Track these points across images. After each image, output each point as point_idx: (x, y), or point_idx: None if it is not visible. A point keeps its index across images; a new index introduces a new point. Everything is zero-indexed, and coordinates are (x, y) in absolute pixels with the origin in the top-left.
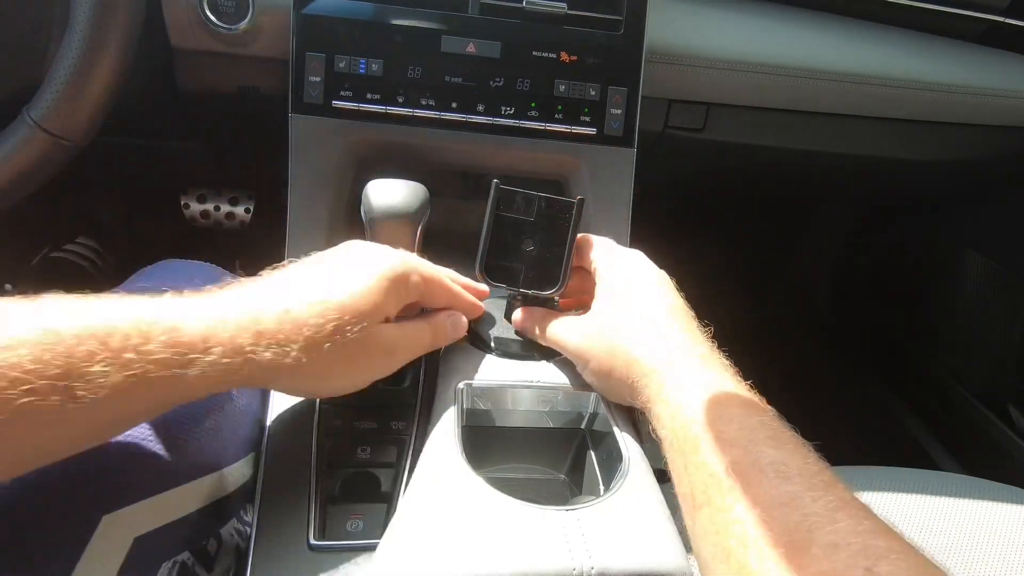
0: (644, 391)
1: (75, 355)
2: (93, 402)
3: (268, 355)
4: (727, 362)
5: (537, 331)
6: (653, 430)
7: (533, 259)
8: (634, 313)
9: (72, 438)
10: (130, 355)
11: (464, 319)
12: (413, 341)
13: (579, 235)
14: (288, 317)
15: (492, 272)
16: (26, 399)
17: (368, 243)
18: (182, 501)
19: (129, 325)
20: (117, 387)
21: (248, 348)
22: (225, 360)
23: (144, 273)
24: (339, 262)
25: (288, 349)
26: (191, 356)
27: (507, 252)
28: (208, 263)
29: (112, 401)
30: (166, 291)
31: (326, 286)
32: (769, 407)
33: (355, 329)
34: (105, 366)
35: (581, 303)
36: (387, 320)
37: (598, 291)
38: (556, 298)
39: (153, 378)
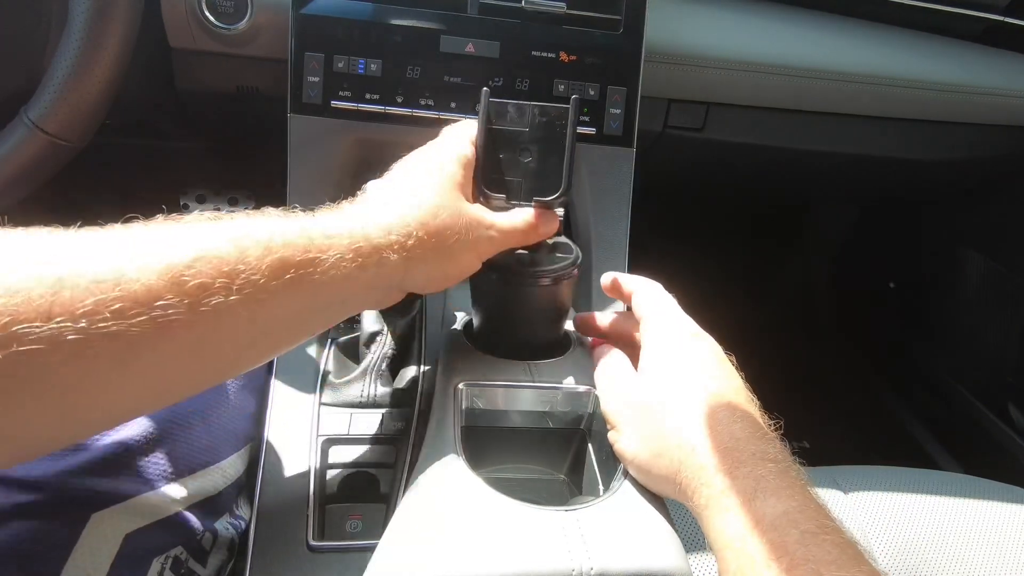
0: (699, 492)
1: (229, 247)
2: (254, 287)
3: (393, 238)
4: (801, 469)
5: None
6: (708, 539)
7: (532, 170)
8: (688, 390)
9: (248, 334)
10: (275, 242)
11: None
12: (507, 221)
13: (624, 276)
14: (395, 205)
15: (491, 185)
16: (195, 282)
17: (427, 144)
18: (173, 497)
19: (264, 229)
20: (272, 269)
21: (374, 236)
22: (356, 244)
23: None
24: (413, 161)
25: (409, 230)
26: (327, 243)
27: (505, 165)
28: None
29: (274, 291)
30: None
31: (414, 177)
32: (865, 556)
33: (452, 202)
34: (257, 251)
35: (630, 343)
36: None
37: (646, 348)
38: (560, 205)
39: (298, 261)
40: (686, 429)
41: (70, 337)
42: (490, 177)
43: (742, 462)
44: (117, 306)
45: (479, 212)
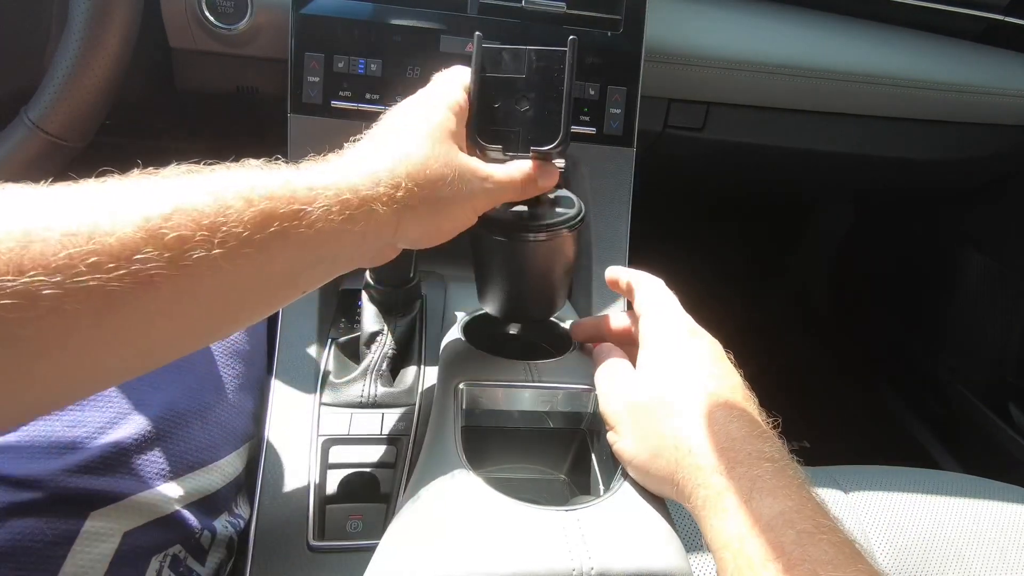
0: (696, 492)
1: (207, 199)
2: (238, 240)
3: (381, 190)
4: (799, 467)
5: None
6: (705, 540)
7: (529, 119)
8: (685, 390)
9: (235, 290)
10: (256, 193)
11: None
12: (503, 172)
13: (626, 271)
14: (381, 155)
15: (486, 136)
16: (174, 235)
17: (417, 93)
18: (172, 496)
19: (245, 180)
20: (254, 221)
21: (361, 187)
22: (342, 196)
23: None
24: (401, 110)
25: (397, 181)
26: (311, 194)
27: (500, 115)
28: None
29: (258, 245)
30: None
31: (401, 125)
32: (863, 554)
33: (443, 151)
34: (238, 204)
35: (629, 341)
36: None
37: (644, 347)
38: (560, 155)
39: (281, 213)
40: (683, 430)
41: (45, 292)
42: (485, 127)
43: (738, 462)
44: (92, 260)
45: (473, 163)
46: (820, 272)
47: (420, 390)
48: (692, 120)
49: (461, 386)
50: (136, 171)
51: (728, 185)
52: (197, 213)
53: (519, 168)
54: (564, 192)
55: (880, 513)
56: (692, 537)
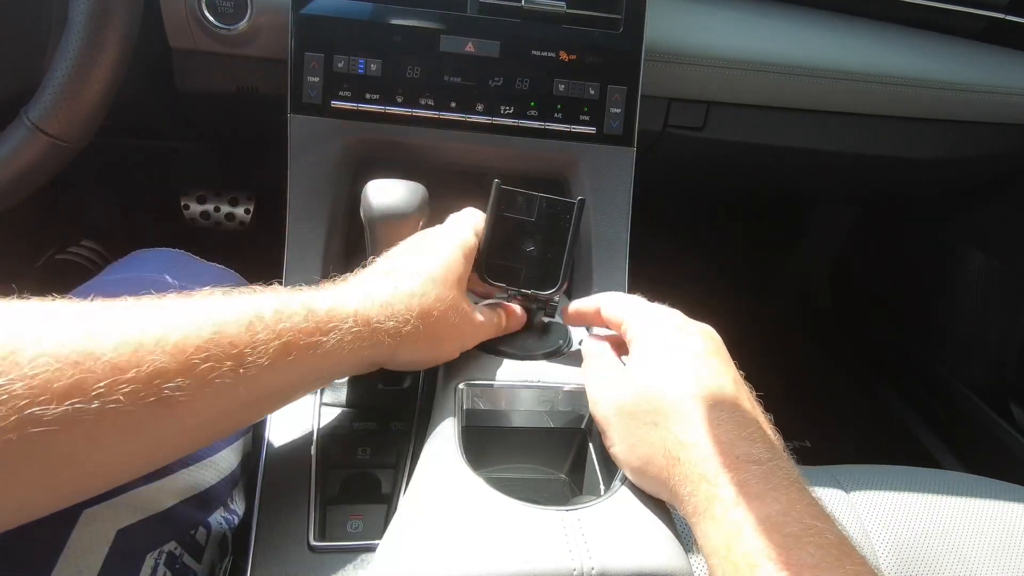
0: (689, 500)
1: (240, 328)
2: (259, 368)
3: (391, 324)
4: (792, 465)
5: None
6: (698, 545)
7: (533, 259)
8: (674, 394)
9: (242, 407)
10: (283, 325)
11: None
12: (489, 316)
13: (602, 296)
14: (399, 291)
15: (492, 272)
16: (206, 365)
17: (435, 229)
18: (166, 492)
19: (273, 309)
20: (277, 352)
21: (374, 319)
22: (355, 328)
23: (118, 265)
24: (420, 246)
25: (408, 317)
26: (329, 325)
27: (507, 252)
28: (179, 251)
29: (274, 369)
30: (149, 280)
31: (420, 264)
32: (855, 552)
33: (451, 296)
34: (266, 335)
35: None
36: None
37: (633, 351)
38: (555, 299)
39: (302, 345)
40: (670, 437)
41: (83, 418)
42: (493, 263)
43: (726, 467)
44: (129, 388)
45: (470, 311)
46: (820, 271)
47: (421, 390)
48: (692, 120)
49: (461, 386)
50: (172, 293)
51: (728, 185)
52: (229, 344)
53: (500, 317)
54: (557, 322)
55: (881, 512)
56: (692, 537)
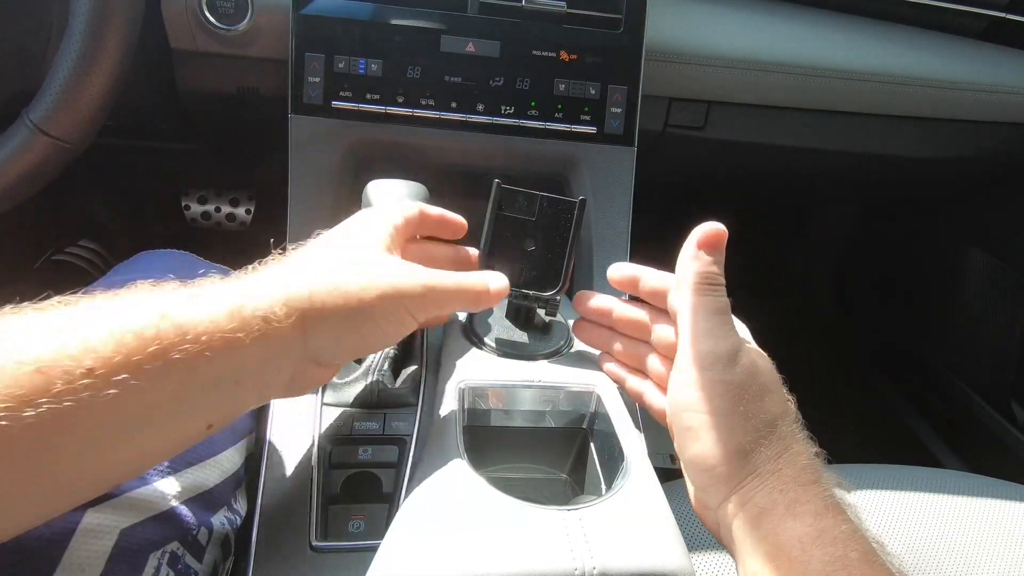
0: (729, 504)
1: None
2: (109, 368)
3: (276, 298)
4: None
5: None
6: (725, 540)
7: (534, 259)
8: (766, 360)
9: (107, 436)
10: (125, 331)
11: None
12: (442, 280)
13: (639, 267)
14: (299, 268)
15: (490, 261)
16: (88, 392)
17: (364, 215)
18: (169, 491)
19: (114, 315)
20: (127, 348)
21: (257, 300)
22: (233, 306)
23: (123, 266)
24: (346, 222)
25: (300, 291)
26: (197, 306)
27: (508, 251)
28: (184, 252)
29: (131, 371)
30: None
31: (331, 238)
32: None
33: (370, 258)
34: (106, 337)
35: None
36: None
37: (689, 348)
38: (557, 299)
39: (156, 335)
40: (776, 408)
41: None
42: (492, 262)
43: (809, 481)
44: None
45: (402, 263)
46: (822, 270)
47: (422, 390)
48: (693, 119)
49: (462, 386)
50: (8, 307)
51: (730, 184)
52: (60, 346)
53: (476, 279)
54: (559, 320)
55: (882, 511)
56: (695, 537)
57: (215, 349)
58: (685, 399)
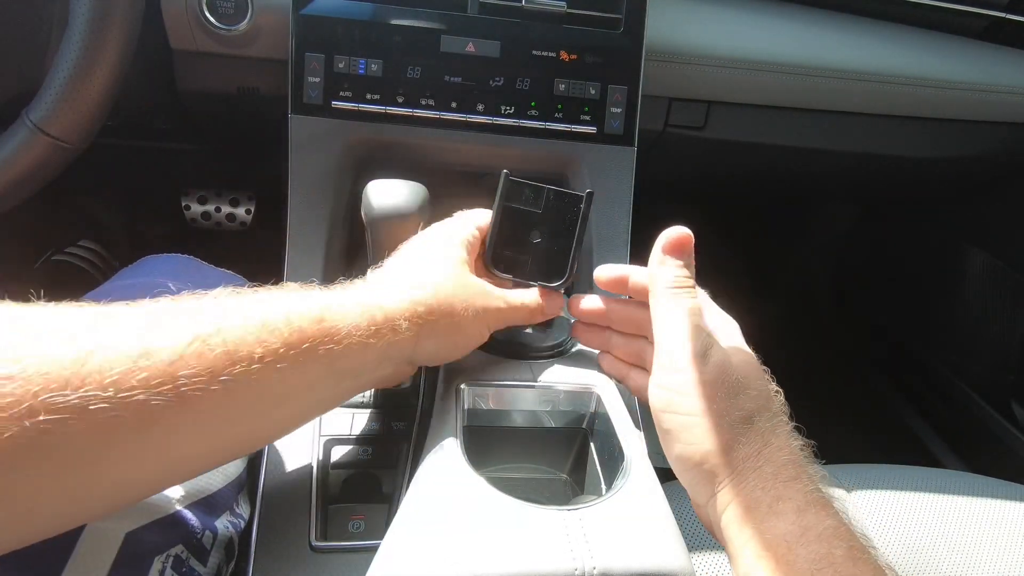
0: (716, 503)
1: (260, 325)
2: (274, 356)
3: (405, 306)
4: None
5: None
6: (720, 538)
7: (540, 251)
8: (743, 355)
9: (257, 409)
10: (292, 314)
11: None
12: (515, 296)
13: (626, 266)
14: (410, 280)
15: (499, 262)
16: (231, 368)
17: (432, 230)
18: (173, 495)
19: (282, 302)
20: (289, 341)
21: (387, 307)
22: (369, 314)
23: (128, 270)
24: (428, 241)
25: (420, 299)
26: (341, 311)
27: (514, 243)
28: (187, 256)
29: (287, 360)
30: (160, 286)
31: (430, 257)
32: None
33: (463, 276)
34: (279, 323)
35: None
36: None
37: (660, 351)
38: (562, 290)
39: (313, 332)
40: (749, 405)
41: (96, 406)
42: (499, 253)
43: (794, 478)
44: (143, 375)
45: (485, 286)
46: (822, 270)
47: (422, 390)
48: (693, 119)
49: (462, 386)
50: (185, 293)
51: (729, 184)
52: (242, 331)
53: (531, 296)
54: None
55: (882, 512)
56: (695, 536)
57: (352, 348)
58: (660, 402)
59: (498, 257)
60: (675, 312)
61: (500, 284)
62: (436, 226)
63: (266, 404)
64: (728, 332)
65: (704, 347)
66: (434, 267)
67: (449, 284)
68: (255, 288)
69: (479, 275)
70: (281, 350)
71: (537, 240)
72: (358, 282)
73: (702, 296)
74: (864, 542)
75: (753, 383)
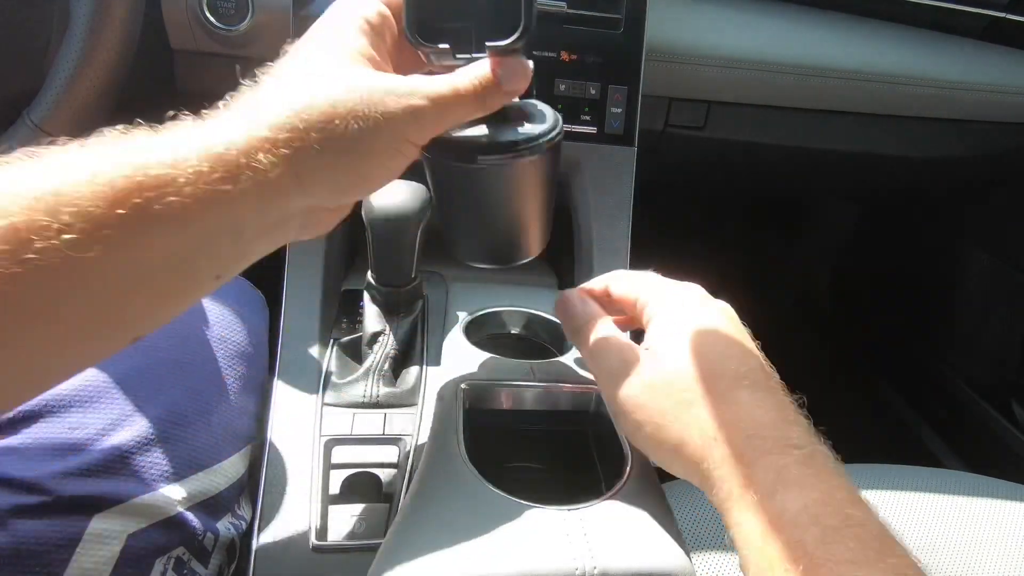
0: (721, 485)
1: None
2: (90, 223)
3: (265, 133)
4: (829, 451)
5: (579, 337)
6: (731, 536)
7: (483, 7)
8: (708, 370)
9: (107, 293)
10: (104, 170)
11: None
12: (441, 84)
13: (609, 275)
14: (273, 96)
15: (425, 32)
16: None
17: (318, 22)
18: (175, 498)
19: (85, 167)
20: (104, 199)
21: (236, 140)
22: (214, 152)
23: None
24: (307, 37)
25: (283, 122)
26: (177, 156)
27: (445, 7)
28: None
29: (113, 227)
30: None
31: (304, 57)
32: (896, 544)
33: (353, 75)
34: (83, 186)
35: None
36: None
37: (654, 329)
38: (520, 47)
39: (139, 183)
40: (706, 418)
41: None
42: (425, 22)
43: (765, 451)
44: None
45: (392, 81)
46: (822, 271)
47: (423, 390)
48: (693, 119)
49: (463, 386)
50: None
51: (729, 184)
52: (34, 205)
53: (471, 75)
54: (535, 103)
55: (882, 511)
56: (695, 536)
57: (203, 201)
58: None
59: (425, 28)
60: (592, 346)
61: (437, 66)
62: (324, 15)
63: (116, 288)
64: (702, 324)
65: (630, 371)
66: (307, 72)
67: (330, 89)
68: (51, 147)
69: (403, 70)
70: (97, 212)
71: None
72: (233, 107)
73: (681, 294)
74: (849, 510)
75: (684, 386)
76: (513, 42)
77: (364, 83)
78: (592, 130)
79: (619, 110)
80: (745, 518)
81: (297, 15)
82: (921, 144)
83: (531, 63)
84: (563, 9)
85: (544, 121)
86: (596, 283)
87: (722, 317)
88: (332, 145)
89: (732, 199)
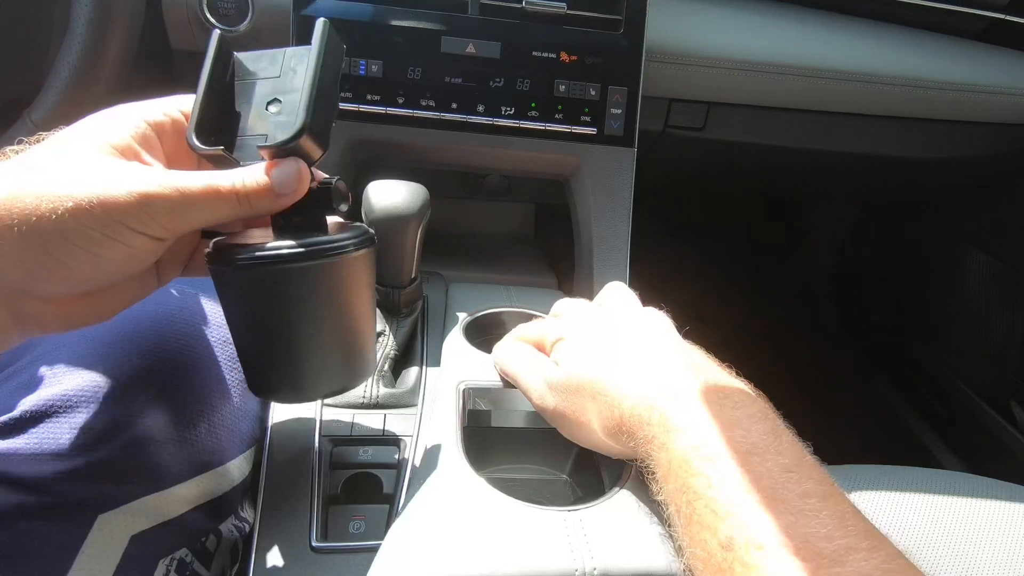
0: (641, 427)
1: None
2: None
3: None
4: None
5: (503, 364)
6: (655, 493)
7: (269, 116)
8: (622, 344)
9: None
10: None
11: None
12: (189, 182)
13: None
14: None
15: (207, 134)
16: None
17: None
18: (179, 499)
19: None
20: None
21: None
22: None
23: None
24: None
25: None
26: None
27: (235, 116)
28: None
29: None
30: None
31: (46, 143)
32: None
33: (77, 164)
34: None
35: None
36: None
37: (565, 335)
38: (293, 146)
39: None
40: (632, 380)
41: None
42: (209, 126)
43: (659, 400)
44: None
45: (127, 168)
46: (822, 271)
47: (422, 391)
48: (693, 120)
49: (463, 387)
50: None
51: (729, 185)
52: None
53: (236, 175)
54: (356, 224)
55: (882, 512)
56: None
57: None
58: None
59: (205, 131)
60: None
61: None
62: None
63: None
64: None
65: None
66: (46, 156)
67: (46, 172)
68: None
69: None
70: None
71: (276, 110)
72: None
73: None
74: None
75: (593, 390)
76: (285, 141)
77: (89, 168)
78: (592, 131)
79: (619, 111)
80: (662, 456)
81: (297, 15)
82: (921, 145)
83: (308, 167)
84: (563, 10)
85: (342, 237)
86: (528, 330)
87: (624, 315)
88: (31, 240)
89: (732, 200)
